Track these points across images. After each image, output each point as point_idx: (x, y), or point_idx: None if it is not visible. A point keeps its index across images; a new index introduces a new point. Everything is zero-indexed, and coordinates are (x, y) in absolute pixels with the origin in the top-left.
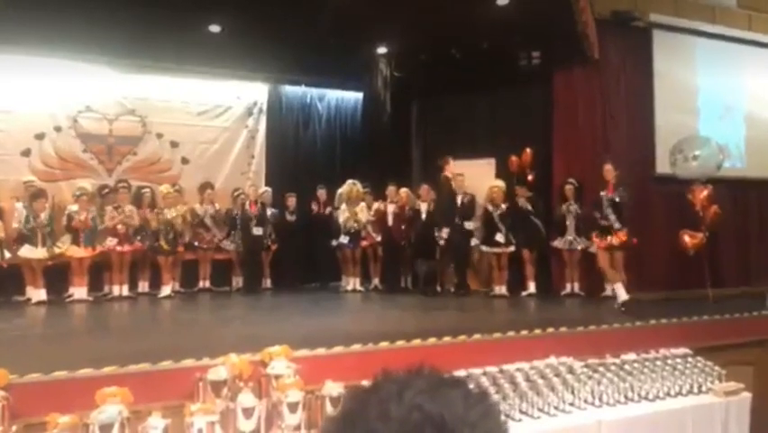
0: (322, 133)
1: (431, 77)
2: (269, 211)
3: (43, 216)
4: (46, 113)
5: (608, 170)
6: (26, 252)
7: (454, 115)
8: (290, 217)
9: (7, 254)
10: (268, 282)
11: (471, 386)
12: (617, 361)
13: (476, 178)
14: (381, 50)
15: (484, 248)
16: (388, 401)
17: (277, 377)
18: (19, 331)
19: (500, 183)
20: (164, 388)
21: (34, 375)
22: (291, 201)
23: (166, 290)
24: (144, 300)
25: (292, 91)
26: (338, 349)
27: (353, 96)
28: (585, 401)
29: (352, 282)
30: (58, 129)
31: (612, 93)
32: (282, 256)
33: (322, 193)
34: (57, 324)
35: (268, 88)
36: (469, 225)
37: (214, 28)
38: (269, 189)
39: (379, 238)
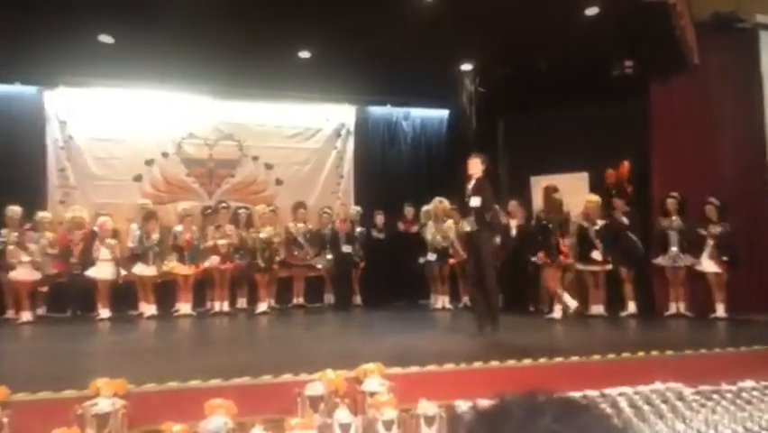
0: (408, 151)
1: (517, 91)
2: (358, 229)
3: (154, 236)
4: (154, 141)
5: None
6: (139, 269)
7: (542, 129)
8: (378, 235)
9: (123, 272)
10: (358, 299)
11: (599, 411)
12: (733, 388)
13: (567, 193)
14: (466, 66)
15: (580, 266)
16: (523, 428)
17: (371, 394)
18: (133, 344)
19: (596, 197)
20: (265, 401)
21: (149, 385)
22: (379, 219)
23: (262, 307)
24: (242, 316)
25: (378, 111)
26: (431, 368)
27: (438, 114)
28: (698, 431)
29: (440, 300)
30: (165, 155)
31: (715, 100)
32: (371, 274)
33: (409, 211)
34: (166, 337)
35: (355, 110)
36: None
37: (304, 54)
38: (358, 208)
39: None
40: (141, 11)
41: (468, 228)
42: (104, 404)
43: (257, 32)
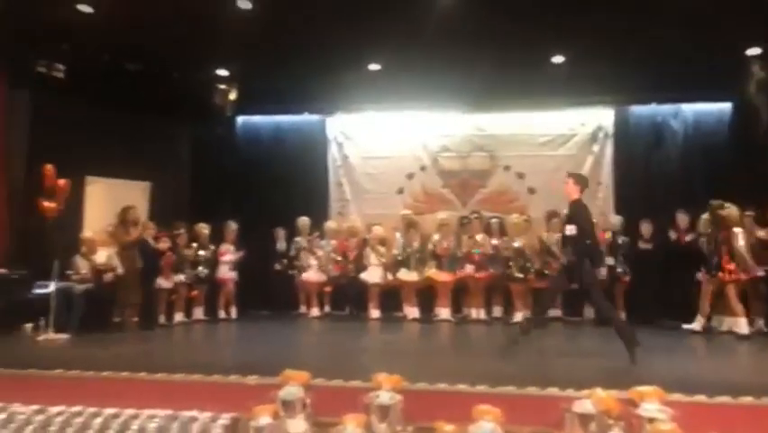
0: (677, 152)
1: None
2: (620, 240)
3: (415, 244)
4: (414, 156)
5: None
6: (403, 275)
7: None
8: (645, 246)
9: (389, 276)
10: (622, 316)
11: None
12: None
13: None
14: (753, 50)
15: None
16: None
17: (650, 420)
18: (402, 344)
19: None
20: (530, 413)
21: (421, 384)
22: (646, 228)
23: (518, 317)
24: (498, 325)
25: (641, 111)
26: (723, 399)
27: (716, 109)
28: None
29: (727, 323)
30: (423, 169)
31: None
32: (637, 288)
33: (682, 218)
34: (428, 340)
35: (614, 112)
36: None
37: (558, 59)
38: (620, 217)
39: (761, 272)
40: (403, 39)
41: (564, 261)
42: (384, 397)
43: (508, 44)
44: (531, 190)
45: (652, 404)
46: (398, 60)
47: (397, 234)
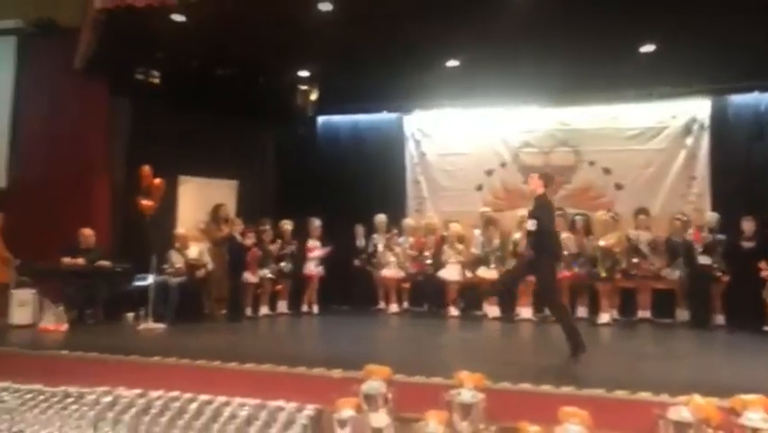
0: None
1: None
2: (718, 237)
3: (495, 241)
4: (493, 152)
5: None
6: (482, 273)
7: None
8: (747, 244)
9: (468, 274)
10: (720, 319)
11: None
12: None
13: None
14: None
15: None
16: None
17: (754, 430)
18: (483, 342)
19: None
20: (620, 417)
21: (504, 384)
22: (748, 226)
23: (604, 318)
24: (582, 326)
25: (741, 100)
26: None
27: None
28: None
29: None
30: (503, 165)
31: None
32: (737, 289)
33: None
34: (510, 339)
35: (710, 102)
36: None
37: (647, 48)
38: (716, 214)
39: None
40: (482, 34)
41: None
42: (466, 395)
43: (594, 34)
44: (618, 186)
45: (757, 414)
46: (477, 56)
47: (476, 232)
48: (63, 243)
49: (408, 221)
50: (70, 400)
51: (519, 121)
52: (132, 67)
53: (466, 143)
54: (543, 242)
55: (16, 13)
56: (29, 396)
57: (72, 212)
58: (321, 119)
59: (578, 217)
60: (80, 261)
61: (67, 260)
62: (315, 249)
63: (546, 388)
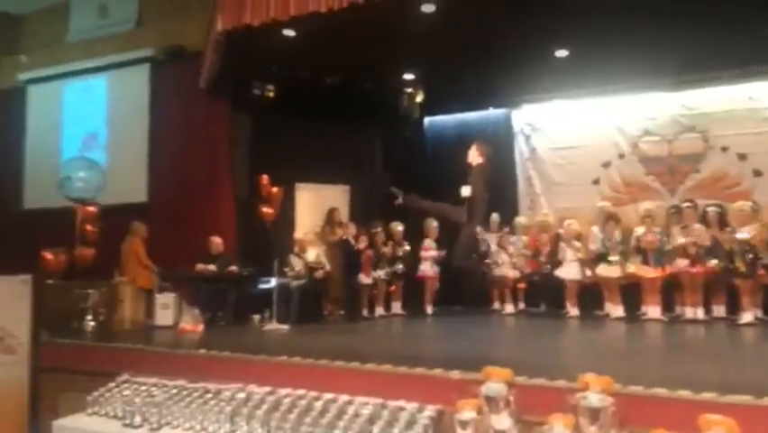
0: None
1: None
2: None
3: (615, 237)
4: (610, 143)
5: None
6: (602, 270)
7: None
8: None
9: (588, 273)
10: None
11: None
12: None
13: None
14: None
15: None
16: None
17: None
18: (606, 343)
19: None
20: None
21: (635, 388)
22: None
23: (747, 317)
24: (720, 325)
25: None
26: None
27: None
28: None
29: None
30: (621, 156)
31: None
32: None
33: None
34: (636, 340)
35: None
36: None
37: None
38: None
39: None
40: (591, 19)
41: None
42: (594, 399)
43: (717, 6)
44: (756, 173)
45: None
46: (587, 43)
47: (595, 228)
48: (196, 250)
49: (521, 219)
50: (209, 395)
51: (637, 108)
52: (249, 82)
53: (579, 136)
54: (473, 208)
55: (148, 42)
56: (174, 391)
57: (202, 221)
58: (427, 120)
59: (710, 209)
60: (212, 267)
61: (200, 266)
62: (430, 249)
63: (684, 393)
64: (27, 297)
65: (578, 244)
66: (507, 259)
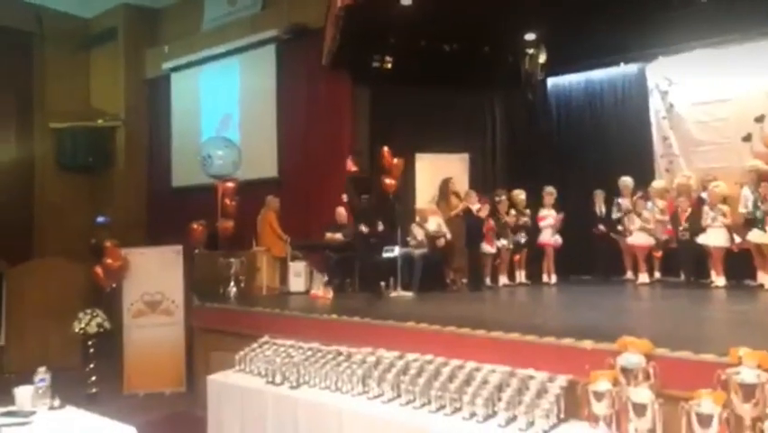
0: None
1: None
2: None
3: None
4: (764, 94)
5: None
6: (755, 237)
7: None
8: None
9: (737, 239)
10: None
11: None
12: None
13: None
14: None
15: None
16: None
17: None
18: (761, 316)
19: None
20: None
21: None
22: None
23: None
24: None
25: None
26: None
27: None
28: None
29: None
30: None
31: None
32: None
33: None
34: None
35: None
36: None
37: None
38: None
39: None
40: None
41: None
42: (749, 374)
43: None
44: None
45: None
46: None
47: (745, 190)
48: (324, 221)
49: (657, 183)
50: (341, 357)
51: None
52: (368, 55)
53: (726, 88)
54: None
55: (273, 24)
56: (309, 352)
57: (328, 193)
58: (550, 81)
59: None
60: (338, 236)
61: (328, 235)
62: (548, 217)
63: None
64: (179, 265)
65: (725, 207)
66: (641, 225)
